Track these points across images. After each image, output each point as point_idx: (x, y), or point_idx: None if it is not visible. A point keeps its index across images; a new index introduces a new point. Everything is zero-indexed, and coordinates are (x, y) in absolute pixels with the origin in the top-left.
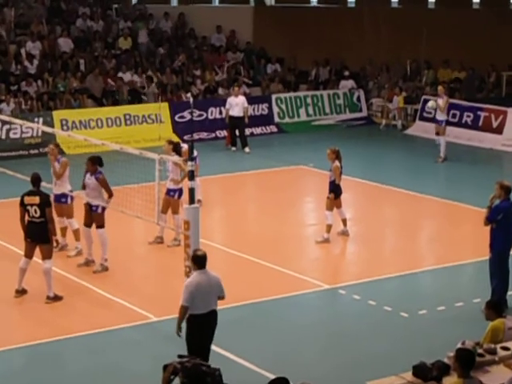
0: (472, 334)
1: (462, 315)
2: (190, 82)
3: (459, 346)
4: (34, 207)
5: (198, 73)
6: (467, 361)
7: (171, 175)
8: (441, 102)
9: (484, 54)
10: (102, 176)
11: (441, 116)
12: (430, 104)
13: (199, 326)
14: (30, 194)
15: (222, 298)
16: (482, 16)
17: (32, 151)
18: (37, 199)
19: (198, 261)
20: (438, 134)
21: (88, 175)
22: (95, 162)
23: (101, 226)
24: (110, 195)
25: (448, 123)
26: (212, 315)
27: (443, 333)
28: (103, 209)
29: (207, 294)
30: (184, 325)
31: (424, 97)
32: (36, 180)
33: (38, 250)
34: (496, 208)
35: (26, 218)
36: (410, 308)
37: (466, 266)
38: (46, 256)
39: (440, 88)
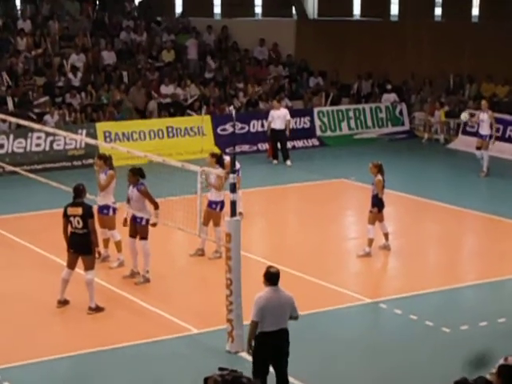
0: None
1: (505, 331)
2: (232, 95)
3: (502, 362)
4: (77, 218)
5: (240, 86)
6: (510, 377)
7: (212, 188)
8: (486, 116)
9: None
10: (144, 187)
11: (484, 130)
12: (463, 116)
13: (267, 344)
14: (72, 205)
15: (294, 317)
16: None
17: (75, 163)
18: (79, 210)
19: (270, 277)
20: (478, 148)
21: (131, 187)
22: (136, 173)
23: (144, 237)
24: (156, 206)
25: (491, 137)
26: (282, 334)
27: (485, 349)
28: (147, 221)
29: (277, 311)
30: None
31: (467, 111)
32: (79, 191)
33: (80, 261)
34: None
35: (69, 229)
36: (451, 323)
37: (508, 282)
38: (89, 267)
39: (483, 103)
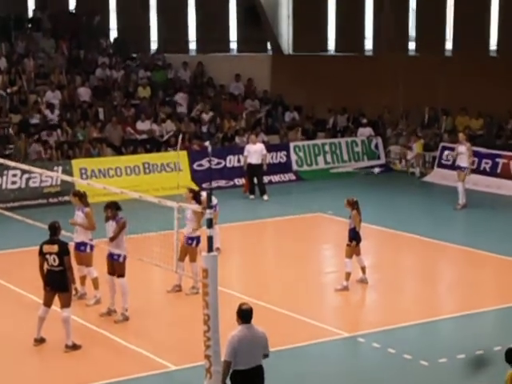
0: (493, 382)
1: (465, 368)
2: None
3: None
4: (53, 256)
5: (216, 121)
6: None
7: (189, 223)
8: (464, 149)
9: (502, 101)
10: (124, 220)
11: (463, 162)
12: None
13: (242, 382)
14: (48, 242)
15: (265, 355)
16: (499, 63)
17: (51, 200)
18: (55, 248)
19: (243, 315)
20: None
21: (110, 222)
22: (112, 208)
23: (121, 275)
24: (112, 239)
25: (470, 171)
26: (257, 371)
27: (463, 381)
28: (124, 258)
29: (251, 349)
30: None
31: (442, 144)
32: (54, 228)
33: (57, 299)
34: None
35: (46, 266)
36: (430, 356)
37: (486, 314)
38: (65, 304)
39: (461, 135)
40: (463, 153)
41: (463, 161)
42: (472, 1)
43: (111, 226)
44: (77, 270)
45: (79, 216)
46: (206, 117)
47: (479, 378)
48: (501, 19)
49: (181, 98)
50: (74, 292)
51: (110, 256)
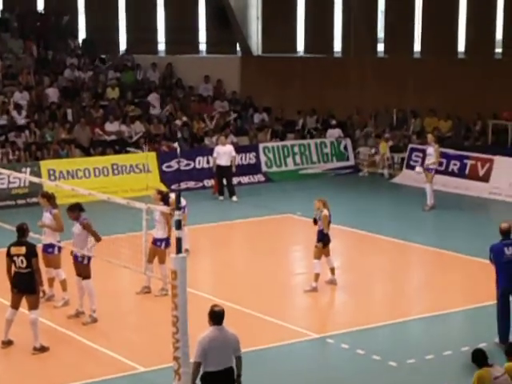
0: (460, 382)
1: (450, 364)
2: (177, 132)
3: None
4: (21, 257)
5: (185, 119)
6: None
7: (158, 225)
8: (432, 150)
9: (470, 103)
10: (87, 221)
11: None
12: (418, 169)
13: (212, 383)
14: (16, 244)
15: (237, 357)
16: (467, 65)
17: (19, 201)
18: (23, 249)
19: (215, 316)
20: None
21: (75, 223)
22: (74, 209)
23: (86, 276)
24: (98, 239)
25: (435, 171)
26: (227, 373)
27: (431, 382)
28: (89, 259)
29: (222, 351)
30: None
31: (411, 145)
32: (22, 230)
33: (24, 301)
34: None
35: (13, 268)
36: (398, 357)
37: (454, 314)
38: (33, 306)
39: (430, 136)
40: (431, 154)
41: (431, 162)
42: (440, 2)
43: (76, 228)
44: (45, 272)
45: (47, 217)
46: (179, 122)
47: (447, 378)
48: (469, 20)
49: (154, 98)
50: (41, 294)
51: (75, 258)
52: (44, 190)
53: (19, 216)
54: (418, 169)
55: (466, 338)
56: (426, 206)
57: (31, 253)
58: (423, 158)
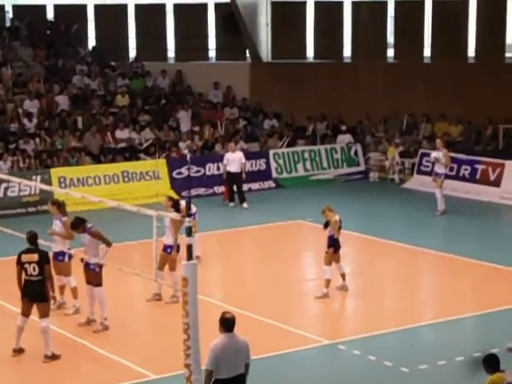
0: None
1: (463, 369)
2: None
3: None
4: (33, 265)
5: (195, 129)
6: None
7: (168, 232)
8: (441, 155)
9: (480, 107)
10: (95, 228)
11: (440, 169)
12: (434, 156)
13: None
14: (27, 251)
15: (245, 364)
16: (478, 69)
17: (30, 209)
18: (35, 256)
19: (226, 323)
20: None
21: (84, 235)
22: (78, 226)
23: (98, 284)
24: (109, 245)
25: (446, 176)
26: (238, 380)
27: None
28: (100, 267)
29: (233, 358)
30: None
31: (421, 150)
32: (33, 238)
33: (35, 309)
34: None
35: (23, 276)
36: (410, 363)
37: (466, 320)
38: (44, 314)
39: (438, 141)
40: (440, 159)
41: (440, 167)
42: (450, 7)
43: (85, 239)
44: (56, 280)
45: (57, 225)
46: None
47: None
48: (479, 25)
49: (184, 116)
50: (52, 301)
51: (87, 265)
52: (54, 197)
53: (30, 224)
54: (435, 154)
55: (478, 344)
56: (436, 211)
57: (44, 260)
58: (433, 163)
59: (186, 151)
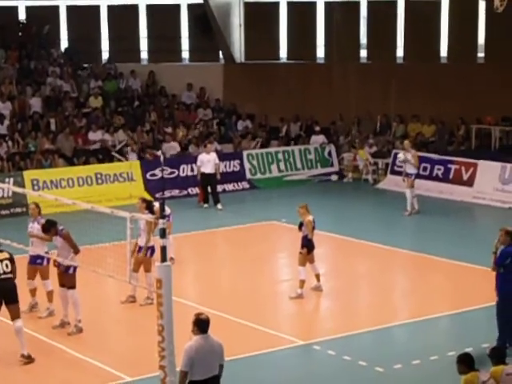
0: None
1: (437, 368)
2: (160, 140)
3: None
4: (5, 262)
5: (169, 130)
6: None
7: (142, 233)
8: (409, 156)
9: (453, 108)
10: (66, 231)
11: (411, 169)
12: (400, 156)
13: None
14: None
15: (220, 365)
16: (450, 70)
17: (3, 212)
18: (6, 254)
19: (200, 325)
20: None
21: (56, 238)
22: (50, 229)
23: (72, 286)
24: (76, 252)
25: (419, 176)
26: (213, 381)
27: None
28: (74, 269)
29: (207, 359)
30: None
31: (394, 151)
32: None
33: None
34: (504, 253)
35: None
36: (385, 362)
37: (439, 319)
38: (17, 315)
39: (406, 142)
40: (410, 160)
41: (410, 168)
42: (422, 8)
43: (59, 242)
44: (27, 284)
45: (35, 228)
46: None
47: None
48: (451, 26)
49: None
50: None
51: (60, 267)
52: (28, 200)
53: (3, 226)
54: (401, 154)
55: (452, 343)
56: (405, 211)
57: (13, 259)
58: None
59: (159, 152)
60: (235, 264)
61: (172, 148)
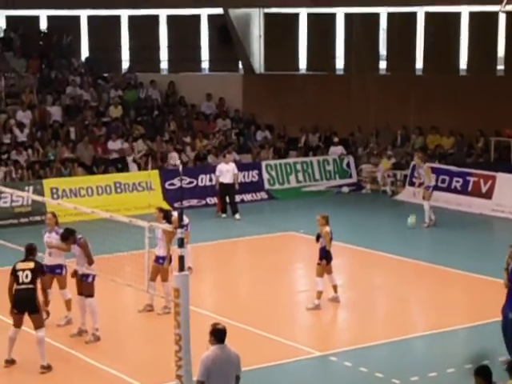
0: None
1: (454, 381)
2: (180, 150)
3: None
4: (26, 272)
5: (188, 140)
6: None
7: (160, 243)
8: (421, 172)
9: (472, 120)
10: (83, 239)
11: (426, 182)
12: (410, 220)
13: None
14: (24, 260)
15: (236, 376)
16: (469, 82)
17: (22, 220)
18: (31, 264)
19: (217, 335)
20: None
21: (74, 247)
22: (69, 237)
23: (90, 295)
24: (90, 262)
25: (437, 188)
26: None
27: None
28: (93, 278)
29: (224, 370)
30: None
31: (413, 162)
32: (31, 249)
33: (27, 319)
34: None
35: (15, 286)
36: (401, 375)
37: (457, 332)
38: (39, 325)
39: (416, 159)
40: (423, 175)
41: (426, 180)
42: (442, 20)
43: (77, 251)
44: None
45: (53, 237)
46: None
47: None
48: (471, 38)
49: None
50: (45, 315)
51: (79, 276)
52: (47, 208)
53: (22, 235)
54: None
55: (469, 356)
56: (423, 223)
57: (39, 269)
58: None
59: (177, 162)
60: (252, 274)
61: (172, 158)
